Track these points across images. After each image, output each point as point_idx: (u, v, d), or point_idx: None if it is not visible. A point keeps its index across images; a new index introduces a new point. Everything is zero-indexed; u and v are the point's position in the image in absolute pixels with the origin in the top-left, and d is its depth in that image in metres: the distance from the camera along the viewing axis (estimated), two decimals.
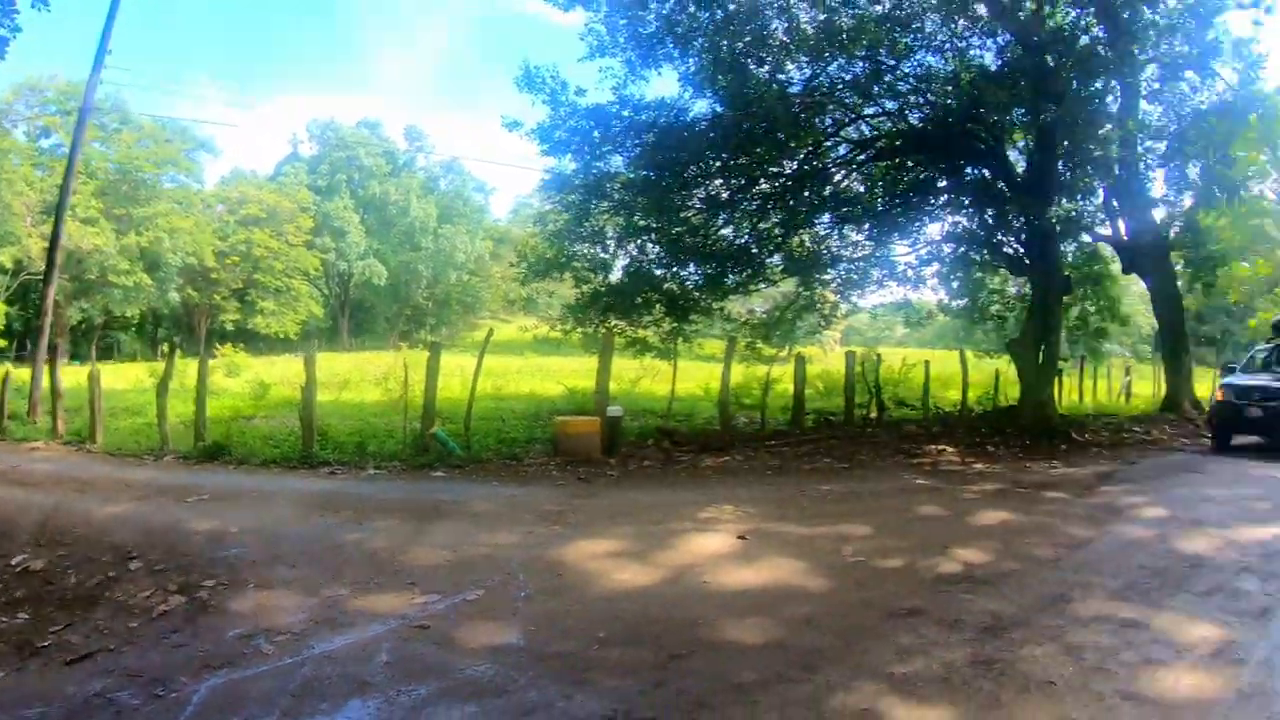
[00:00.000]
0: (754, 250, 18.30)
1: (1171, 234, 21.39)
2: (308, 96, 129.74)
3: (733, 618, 5.37)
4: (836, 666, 4.51)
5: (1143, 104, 19.12)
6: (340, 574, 6.25)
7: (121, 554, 6.67)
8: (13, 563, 6.48)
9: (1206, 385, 21.25)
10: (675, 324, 17.75)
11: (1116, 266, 22.66)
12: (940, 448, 13.67)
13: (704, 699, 4.16)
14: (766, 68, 16.12)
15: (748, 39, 15.77)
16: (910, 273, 19.68)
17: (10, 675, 4.55)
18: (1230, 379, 15.94)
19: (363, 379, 25.98)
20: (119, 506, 8.64)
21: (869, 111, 17.59)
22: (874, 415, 16.70)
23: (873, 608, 5.51)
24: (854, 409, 16.46)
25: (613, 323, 17.24)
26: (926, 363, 19.33)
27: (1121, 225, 21.15)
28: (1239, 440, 15.32)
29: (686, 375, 17.54)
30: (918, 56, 16.38)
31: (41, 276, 40.94)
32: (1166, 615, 5.46)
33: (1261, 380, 15.21)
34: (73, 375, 18.82)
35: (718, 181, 17.82)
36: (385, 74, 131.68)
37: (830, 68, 16.18)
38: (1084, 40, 15.27)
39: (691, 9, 15.49)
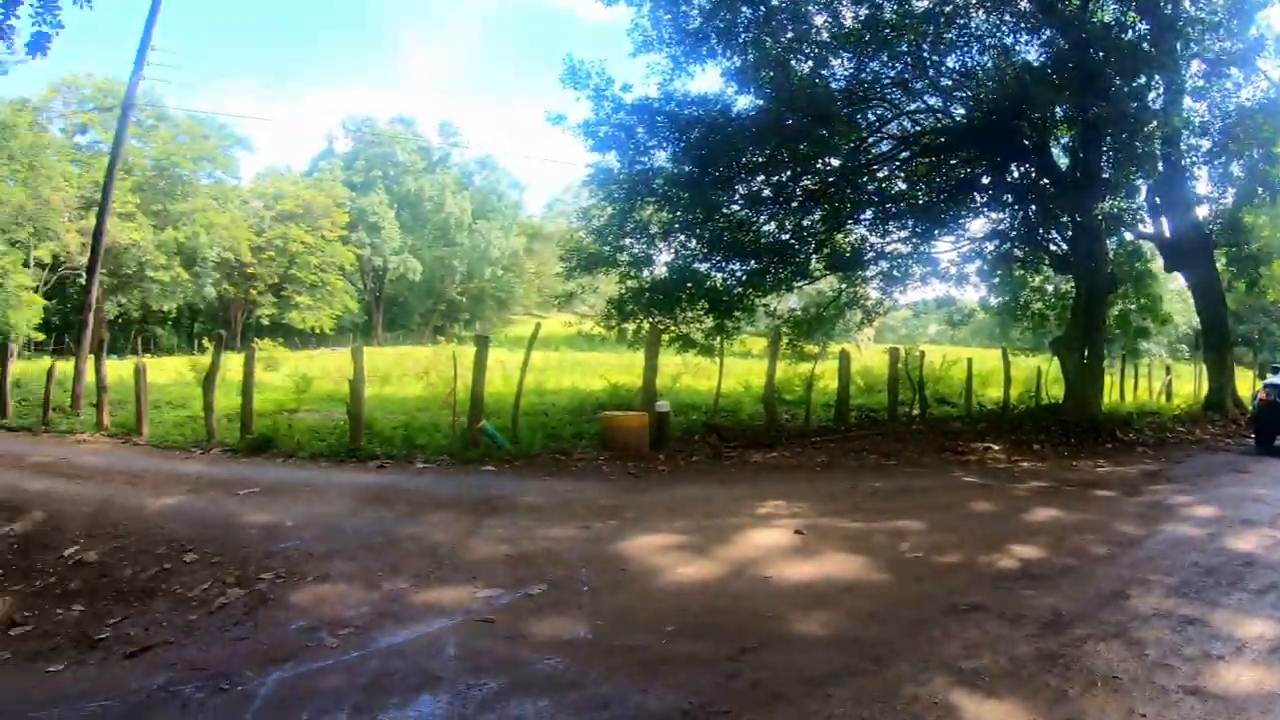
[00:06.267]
0: (796, 247, 18.13)
1: (1213, 232, 20.88)
2: (342, 93, 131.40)
3: (798, 611, 5.31)
4: (904, 659, 4.51)
5: (1186, 100, 18.40)
6: (399, 568, 6.18)
7: (177, 546, 6.66)
8: (65, 554, 6.47)
9: (1245, 384, 20.80)
10: (718, 320, 17.53)
11: (1158, 264, 22.21)
12: (985, 445, 13.54)
13: (778, 691, 4.12)
14: (809, 63, 16.04)
15: (790, 35, 15.70)
16: (952, 270, 19.66)
17: (69, 668, 4.49)
18: (1275, 379, 15.75)
19: (403, 373, 25.95)
20: (170, 499, 8.65)
21: (912, 107, 17.43)
22: (917, 412, 16.56)
23: (934, 603, 5.51)
24: (898, 406, 16.35)
25: (657, 319, 17.04)
26: (969, 360, 19.20)
27: (1164, 222, 20.67)
28: None
29: (727, 371, 17.34)
30: (961, 52, 16.24)
31: (79, 271, 41.96)
32: (1223, 612, 5.45)
33: None
34: (114, 369, 18.76)
35: (760, 178, 17.67)
36: (419, 70, 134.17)
37: (873, 63, 16.00)
38: (1128, 36, 14.96)
39: (734, 4, 15.38)
